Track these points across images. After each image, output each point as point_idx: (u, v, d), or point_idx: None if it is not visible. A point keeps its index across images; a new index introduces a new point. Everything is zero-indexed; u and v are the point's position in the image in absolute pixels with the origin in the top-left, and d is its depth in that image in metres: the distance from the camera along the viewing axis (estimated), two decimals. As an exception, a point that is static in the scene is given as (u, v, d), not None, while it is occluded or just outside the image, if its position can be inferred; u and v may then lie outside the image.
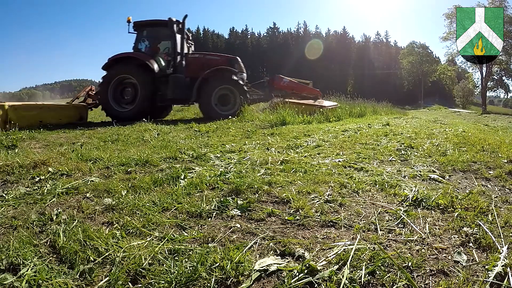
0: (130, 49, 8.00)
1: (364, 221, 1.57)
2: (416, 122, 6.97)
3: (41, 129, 4.96)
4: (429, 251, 1.30)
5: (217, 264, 1.17)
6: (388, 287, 1.07)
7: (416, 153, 3.10)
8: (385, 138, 4.04)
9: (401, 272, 1.13)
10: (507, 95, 43.35)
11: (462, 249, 1.32)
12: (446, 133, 4.52)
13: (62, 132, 4.90)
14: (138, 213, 1.64)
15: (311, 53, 55.44)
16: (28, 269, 1.14)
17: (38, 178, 2.23)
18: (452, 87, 51.45)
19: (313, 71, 47.59)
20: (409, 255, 1.27)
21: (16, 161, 2.50)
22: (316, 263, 1.19)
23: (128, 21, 7.96)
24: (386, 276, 1.12)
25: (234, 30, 72.11)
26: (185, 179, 2.18)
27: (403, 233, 1.45)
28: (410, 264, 1.19)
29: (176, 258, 1.23)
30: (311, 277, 1.10)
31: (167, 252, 1.27)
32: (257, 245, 1.36)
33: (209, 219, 1.60)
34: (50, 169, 2.40)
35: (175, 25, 7.84)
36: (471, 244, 1.35)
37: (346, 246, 1.30)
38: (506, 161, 2.76)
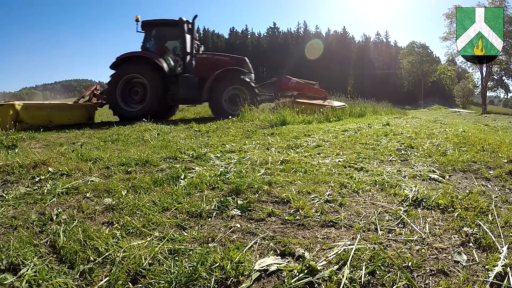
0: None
1: (364, 221, 1.57)
2: (416, 122, 6.97)
3: (41, 129, 4.96)
4: (429, 251, 1.30)
5: (217, 264, 1.17)
6: (388, 287, 1.07)
7: (416, 153, 3.10)
8: (385, 138, 4.04)
9: (401, 272, 1.13)
10: (507, 95, 43.40)
11: (462, 249, 1.32)
12: (446, 133, 4.52)
13: (62, 132, 4.90)
14: (138, 213, 1.64)
15: (311, 53, 55.44)
16: (28, 269, 1.14)
17: (38, 178, 2.23)
18: (452, 87, 51.48)
19: (313, 71, 47.56)
20: (409, 255, 1.27)
21: (16, 161, 2.50)
22: (316, 263, 1.19)
23: (137, 20, 7.90)
24: (386, 276, 1.12)
25: (234, 30, 72.22)
26: (185, 179, 2.18)
27: (403, 233, 1.45)
28: (410, 264, 1.19)
29: (176, 258, 1.23)
30: (311, 277, 1.10)
31: (167, 252, 1.27)
32: (257, 245, 1.36)
33: (209, 219, 1.60)
34: (50, 169, 2.40)
35: (185, 25, 7.84)
36: (471, 244, 1.35)
37: (346, 246, 1.30)
38: (506, 161, 2.76)
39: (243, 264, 1.17)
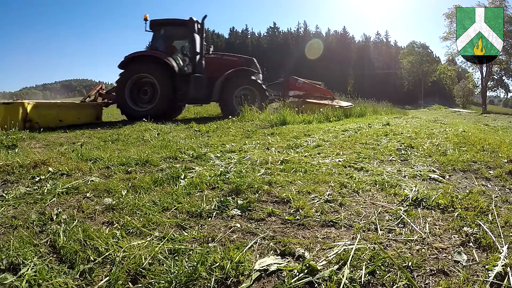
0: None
1: (364, 221, 1.57)
2: (416, 122, 6.97)
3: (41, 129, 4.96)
4: (429, 251, 1.30)
5: (217, 264, 1.17)
6: (388, 287, 1.07)
7: (416, 153, 3.10)
8: (385, 138, 4.04)
9: (401, 272, 1.13)
10: (507, 95, 43.44)
11: (462, 249, 1.32)
12: (446, 133, 4.52)
13: (62, 132, 4.89)
14: (138, 213, 1.64)
15: (311, 53, 55.42)
16: (28, 269, 1.14)
17: (38, 178, 2.23)
18: (452, 87, 51.48)
19: (313, 71, 47.50)
20: (409, 255, 1.27)
21: (16, 161, 2.50)
22: (316, 263, 1.19)
23: (145, 19, 7.84)
24: (386, 276, 1.12)
25: (234, 30, 72.19)
26: (185, 179, 2.18)
27: (403, 233, 1.45)
28: (410, 264, 1.19)
29: (176, 258, 1.23)
30: (311, 277, 1.10)
31: (167, 252, 1.27)
32: (257, 245, 1.36)
33: (209, 219, 1.60)
34: (50, 169, 2.40)
35: (195, 25, 7.84)
36: (471, 244, 1.35)
37: (346, 246, 1.30)
38: (506, 160, 2.76)
39: (243, 264, 1.17)
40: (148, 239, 1.38)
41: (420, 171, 2.44)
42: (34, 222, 1.53)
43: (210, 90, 7.67)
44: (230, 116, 6.93)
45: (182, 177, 2.22)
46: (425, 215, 1.64)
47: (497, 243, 1.34)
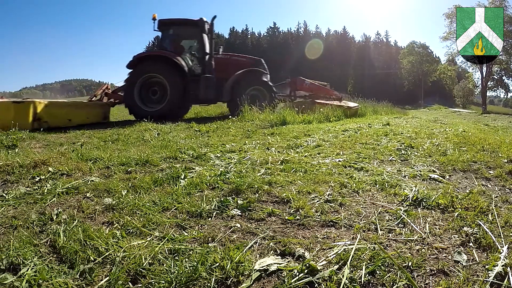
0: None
1: (364, 221, 1.57)
2: (416, 122, 6.97)
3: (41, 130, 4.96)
4: (429, 251, 1.30)
5: (217, 264, 1.17)
6: (388, 287, 1.07)
7: (416, 153, 3.10)
8: (385, 137, 4.04)
9: (401, 272, 1.13)
10: (507, 95, 43.42)
11: (462, 249, 1.32)
12: (446, 133, 4.52)
13: (62, 132, 4.89)
14: (138, 213, 1.64)
15: (311, 53, 55.45)
16: (28, 269, 1.14)
17: (38, 178, 2.23)
18: (452, 87, 51.46)
19: (313, 71, 47.46)
20: (409, 255, 1.27)
21: (16, 161, 2.50)
22: (316, 263, 1.19)
23: (154, 19, 7.83)
24: (386, 276, 1.12)
25: (234, 30, 72.18)
26: (185, 179, 2.18)
27: (403, 233, 1.45)
28: (410, 264, 1.19)
29: (176, 258, 1.23)
30: (311, 277, 1.10)
31: (167, 252, 1.27)
32: (257, 245, 1.36)
33: (209, 219, 1.60)
34: (50, 169, 2.40)
35: (205, 25, 7.85)
36: (471, 244, 1.35)
37: (346, 246, 1.30)
38: (506, 160, 2.76)
39: (243, 264, 1.18)
40: (148, 239, 1.38)
41: (420, 171, 2.44)
42: (34, 222, 1.53)
43: (220, 91, 7.68)
44: (230, 116, 6.93)
45: (182, 177, 2.22)
46: (425, 215, 1.64)
47: (497, 243, 1.34)
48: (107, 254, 1.24)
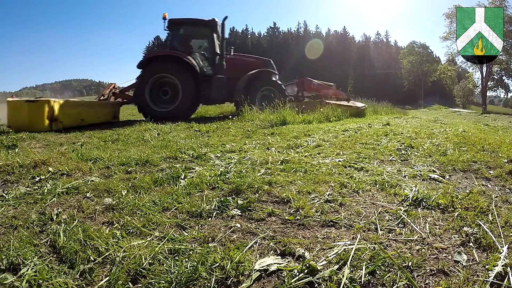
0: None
1: (364, 221, 1.57)
2: (416, 122, 6.96)
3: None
4: (429, 251, 1.30)
5: (217, 264, 1.17)
6: (388, 287, 1.07)
7: (416, 153, 3.09)
8: (385, 137, 4.04)
9: (401, 272, 1.13)
10: (507, 95, 43.40)
11: (462, 248, 1.32)
12: (447, 133, 4.52)
13: (62, 132, 4.89)
14: (138, 213, 1.64)
15: (311, 53, 55.44)
16: (28, 269, 1.14)
17: (38, 178, 2.23)
18: (452, 87, 51.43)
19: (313, 71, 47.39)
20: (409, 255, 1.27)
21: (17, 161, 2.50)
22: (316, 263, 1.19)
23: (164, 18, 7.81)
24: (386, 276, 1.12)
25: (234, 30, 72.11)
26: (185, 179, 2.18)
27: (403, 233, 1.45)
28: (410, 264, 1.19)
29: (176, 258, 1.23)
30: (311, 277, 1.10)
31: (167, 252, 1.27)
32: (257, 245, 1.36)
33: (209, 219, 1.60)
34: (50, 168, 2.40)
35: (217, 26, 7.87)
36: (471, 244, 1.35)
37: (346, 246, 1.30)
38: (506, 160, 2.76)
39: (243, 264, 1.18)
40: (148, 239, 1.38)
41: (420, 171, 2.44)
42: (34, 222, 1.53)
43: (231, 91, 7.71)
44: (230, 116, 6.93)
45: (182, 177, 2.22)
46: (425, 215, 1.64)
47: (497, 243, 1.34)
48: (107, 254, 1.24)
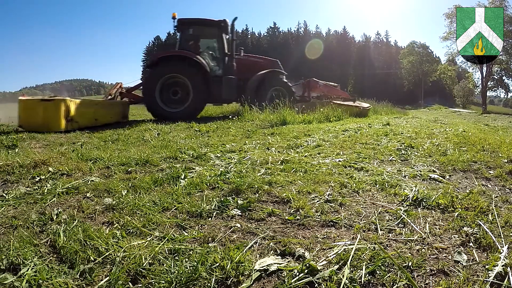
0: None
1: (364, 221, 1.57)
2: (417, 122, 6.96)
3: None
4: (429, 251, 1.30)
5: (217, 264, 1.17)
6: (388, 287, 1.07)
7: (416, 153, 3.09)
8: (385, 137, 4.04)
9: (401, 271, 1.13)
10: (507, 95, 43.40)
11: (463, 248, 1.32)
12: (447, 133, 4.52)
13: (62, 132, 4.89)
14: (139, 213, 1.64)
15: (311, 53, 55.40)
16: (28, 269, 1.14)
17: (38, 178, 2.23)
18: (452, 87, 51.37)
19: (313, 71, 47.36)
20: (409, 254, 1.27)
21: (17, 161, 2.50)
22: (316, 263, 1.19)
23: (173, 18, 7.79)
24: (387, 276, 1.12)
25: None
26: (186, 179, 2.18)
27: (403, 232, 1.45)
28: (410, 263, 1.19)
29: (176, 258, 1.23)
30: (311, 277, 1.10)
31: (167, 252, 1.27)
32: (257, 245, 1.36)
33: (210, 219, 1.60)
34: (50, 168, 2.40)
35: (227, 27, 7.90)
36: (471, 244, 1.35)
37: (346, 246, 1.30)
38: (506, 160, 2.76)
39: (243, 264, 1.17)
40: (148, 239, 1.38)
41: (420, 171, 2.44)
42: (34, 222, 1.53)
43: (241, 91, 7.73)
44: (230, 116, 6.93)
45: (182, 177, 2.22)
46: (425, 215, 1.64)
47: (497, 243, 1.34)
48: (107, 254, 1.24)
